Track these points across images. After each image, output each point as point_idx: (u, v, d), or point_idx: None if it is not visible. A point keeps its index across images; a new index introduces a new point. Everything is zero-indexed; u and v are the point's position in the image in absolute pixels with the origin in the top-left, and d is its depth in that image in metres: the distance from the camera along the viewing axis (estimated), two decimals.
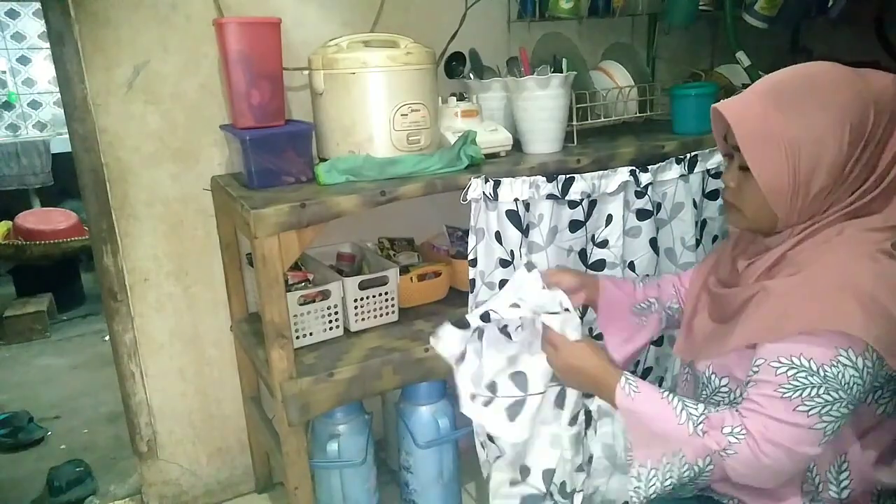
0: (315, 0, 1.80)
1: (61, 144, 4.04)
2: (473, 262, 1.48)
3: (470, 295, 1.51)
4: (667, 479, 1.00)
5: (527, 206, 1.48)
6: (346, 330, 1.64)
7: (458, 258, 1.77)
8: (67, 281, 3.85)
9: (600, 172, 1.53)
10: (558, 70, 1.68)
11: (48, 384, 2.93)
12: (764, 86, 1.01)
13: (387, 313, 1.68)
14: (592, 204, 1.55)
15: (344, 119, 1.55)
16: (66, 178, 3.50)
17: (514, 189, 1.45)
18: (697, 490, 1.10)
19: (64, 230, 3.74)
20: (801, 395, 0.88)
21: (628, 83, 1.93)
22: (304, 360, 1.51)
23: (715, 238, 1.84)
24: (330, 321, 1.60)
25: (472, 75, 1.87)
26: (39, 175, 4.16)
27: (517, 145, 1.74)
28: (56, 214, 3.86)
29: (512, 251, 1.48)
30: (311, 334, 1.58)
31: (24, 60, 4.52)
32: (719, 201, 1.78)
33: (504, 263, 1.48)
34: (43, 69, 4.54)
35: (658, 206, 1.66)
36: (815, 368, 0.88)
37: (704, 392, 1.08)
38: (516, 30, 2.04)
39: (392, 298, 1.67)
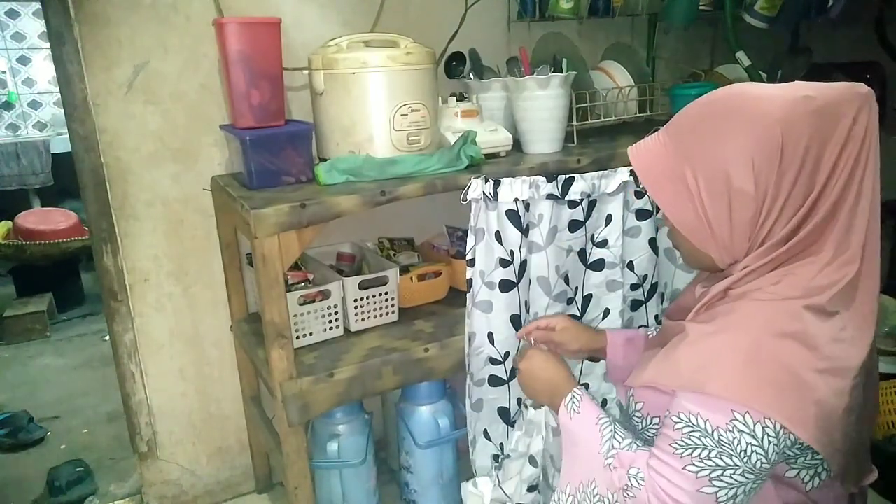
0: (315, 0, 1.80)
1: (61, 144, 4.05)
2: (472, 262, 1.48)
3: (468, 295, 1.51)
4: (579, 500, 1.00)
5: (527, 205, 1.48)
6: (346, 330, 1.64)
7: (458, 258, 1.77)
8: (67, 281, 3.85)
9: (600, 172, 1.53)
10: (558, 70, 1.68)
11: (48, 384, 2.93)
12: (671, 121, 0.94)
13: (387, 313, 1.68)
14: (592, 204, 1.55)
15: (344, 119, 1.55)
16: (66, 178, 3.50)
17: (514, 189, 1.45)
18: None
19: (64, 230, 3.74)
20: (691, 454, 0.84)
21: (628, 83, 1.93)
22: (304, 360, 1.51)
23: None
24: (330, 321, 1.60)
25: (472, 75, 1.87)
26: (39, 175, 4.17)
27: (517, 145, 1.74)
28: (56, 214, 3.86)
29: (512, 251, 1.48)
30: (311, 334, 1.58)
31: (24, 60, 4.52)
32: None
33: (504, 263, 1.48)
34: (43, 69, 4.54)
35: (658, 207, 1.66)
36: (709, 430, 0.82)
37: (633, 419, 1.03)
38: (516, 30, 2.04)
39: (392, 298, 1.67)
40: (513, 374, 1.51)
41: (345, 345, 1.59)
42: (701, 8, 1.98)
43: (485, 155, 1.60)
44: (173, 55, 1.68)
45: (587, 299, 1.62)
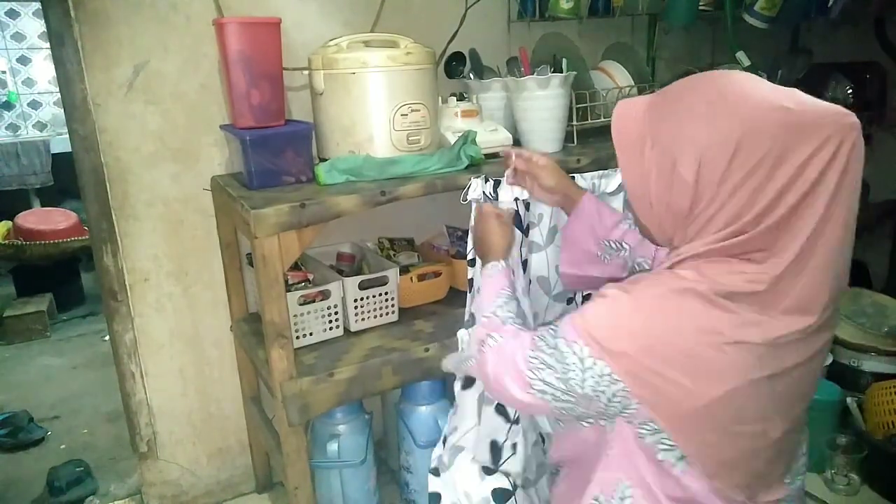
0: (315, 0, 1.80)
1: (61, 144, 4.05)
2: (472, 262, 1.48)
3: (468, 295, 1.51)
4: (466, 351, 1.16)
5: (527, 205, 1.48)
6: (346, 330, 1.64)
7: (458, 258, 1.77)
8: (67, 281, 3.85)
9: (600, 172, 1.53)
10: (558, 70, 1.68)
11: (48, 384, 2.93)
12: (665, 87, 0.93)
13: (387, 313, 1.68)
14: None
15: (344, 119, 1.55)
16: (66, 178, 3.50)
17: (514, 189, 1.45)
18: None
19: (64, 230, 3.74)
20: (539, 345, 0.94)
21: (628, 83, 1.93)
22: (304, 360, 1.51)
23: None
24: (330, 321, 1.60)
25: (472, 75, 1.87)
26: (39, 175, 4.17)
27: (517, 145, 1.74)
28: (56, 214, 3.86)
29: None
30: (311, 334, 1.58)
31: (24, 60, 4.52)
32: None
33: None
34: (43, 69, 4.54)
35: None
36: (558, 335, 0.91)
37: None
38: (516, 30, 2.04)
39: (392, 298, 1.67)
40: None
41: (345, 345, 1.59)
42: (701, 8, 1.98)
43: (485, 155, 1.60)
44: (173, 55, 1.68)
45: (587, 298, 1.62)
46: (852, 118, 0.80)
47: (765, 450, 0.88)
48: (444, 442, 1.41)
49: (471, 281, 1.48)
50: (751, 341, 0.81)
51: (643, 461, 0.90)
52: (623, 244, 1.26)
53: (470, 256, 1.47)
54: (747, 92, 0.82)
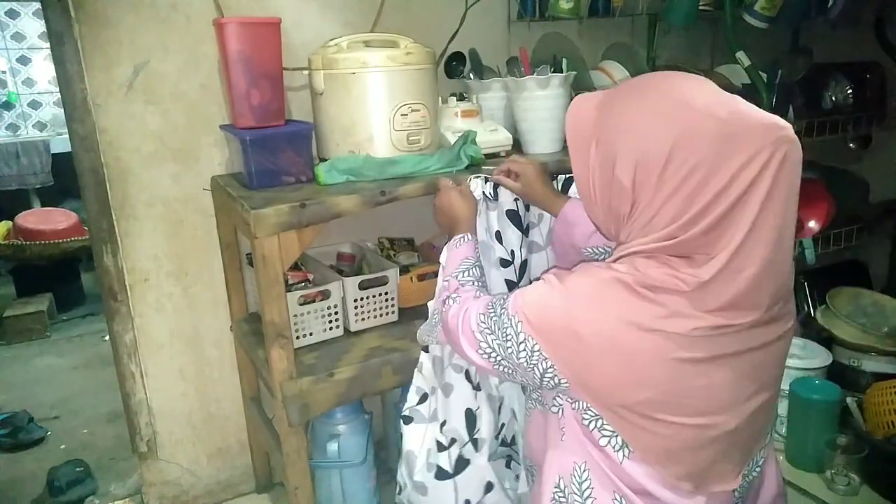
0: (315, 0, 1.80)
1: (61, 144, 4.05)
2: None
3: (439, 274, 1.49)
4: (434, 314, 1.25)
5: (527, 206, 1.48)
6: (346, 330, 1.64)
7: None
8: (67, 281, 3.85)
9: None
10: (558, 70, 1.68)
11: (48, 384, 2.93)
12: (614, 87, 0.97)
13: (387, 313, 1.68)
14: None
15: (344, 119, 1.55)
16: (67, 178, 3.50)
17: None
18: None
19: (64, 230, 3.74)
20: (489, 311, 1.00)
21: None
22: (304, 360, 1.51)
23: None
24: (330, 321, 1.60)
25: (472, 75, 1.87)
26: (39, 175, 4.17)
27: (517, 145, 1.74)
28: (56, 214, 3.86)
29: (512, 251, 1.48)
30: (311, 334, 1.58)
31: (24, 60, 4.52)
32: None
33: (504, 263, 1.48)
34: (43, 69, 4.54)
35: None
36: (504, 306, 0.97)
37: None
38: (516, 30, 2.04)
39: (392, 298, 1.67)
40: None
41: (345, 345, 1.59)
42: (701, 8, 1.98)
43: (485, 155, 1.60)
44: (173, 55, 1.68)
45: None
46: (786, 131, 0.82)
47: (713, 443, 0.89)
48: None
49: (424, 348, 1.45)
50: (673, 331, 0.83)
51: (591, 447, 0.93)
52: (606, 248, 1.27)
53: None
54: (686, 98, 0.83)
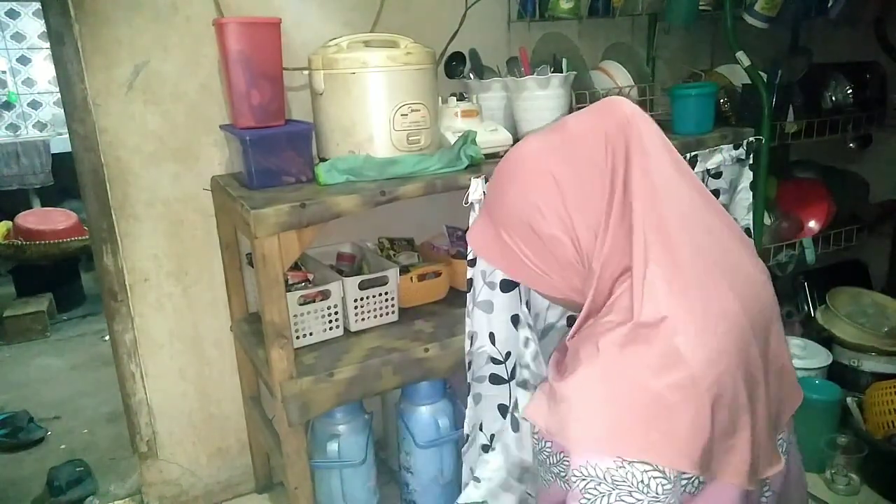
0: (315, 0, 1.81)
1: (61, 144, 4.05)
2: (472, 262, 1.48)
3: (468, 295, 1.51)
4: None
5: None
6: (346, 330, 1.64)
7: (458, 258, 1.77)
8: (67, 281, 3.85)
9: (698, 153, 1.53)
10: (558, 70, 1.68)
11: (48, 384, 2.93)
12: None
13: (387, 313, 1.68)
14: None
15: (344, 119, 1.55)
16: (67, 178, 3.50)
17: None
18: None
19: (64, 230, 3.74)
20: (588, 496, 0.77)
21: (628, 83, 1.93)
22: (304, 360, 1.51)
23: None
24: (330, 321, 1.60)
25: (472, 75, 1.87)
26: (39, 175, 4.17)
27: None
28: (56, 214, 3.86)
29: None
30: (311, 334, 1.58)
31: (24, 60, 4.53)
32: (719, 201, 1.78)
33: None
34: (43, 69, 4.55)
35: None
36: (601, 475, 0.76)
37: (543, 454, 0.99)
38: (516, 30, 2.04)
39: (392, 298, 1.67)
40: (513, 373, 1.51)
41: (345, 345, 1.59)
42: (701, 8, 1.98)
43: (485, 155, 1.60)
44: (173, 55, 1.68)
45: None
46: (622, 106, 0.86)
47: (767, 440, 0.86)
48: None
49: (470, 281, 1.48)
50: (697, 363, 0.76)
51: None
52: None
53: (470, 257, 1.47)
54: (534, 141, 0.90)
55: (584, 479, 0.78)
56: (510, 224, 0.90)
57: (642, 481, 0.75)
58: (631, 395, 0.77)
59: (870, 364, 1.98)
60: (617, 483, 0.76)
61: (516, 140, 1.72)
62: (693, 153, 1.68)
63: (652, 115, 0.92)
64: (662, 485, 0.76)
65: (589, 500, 0.77)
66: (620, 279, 0.84)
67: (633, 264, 0.81)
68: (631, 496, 0.75)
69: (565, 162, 0.85)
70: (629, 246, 0.82)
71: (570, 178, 0.85)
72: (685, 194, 0.84)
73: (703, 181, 1.74)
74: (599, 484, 0.77)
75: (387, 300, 1.66)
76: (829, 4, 1.95)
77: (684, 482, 0.79)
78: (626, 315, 0.80)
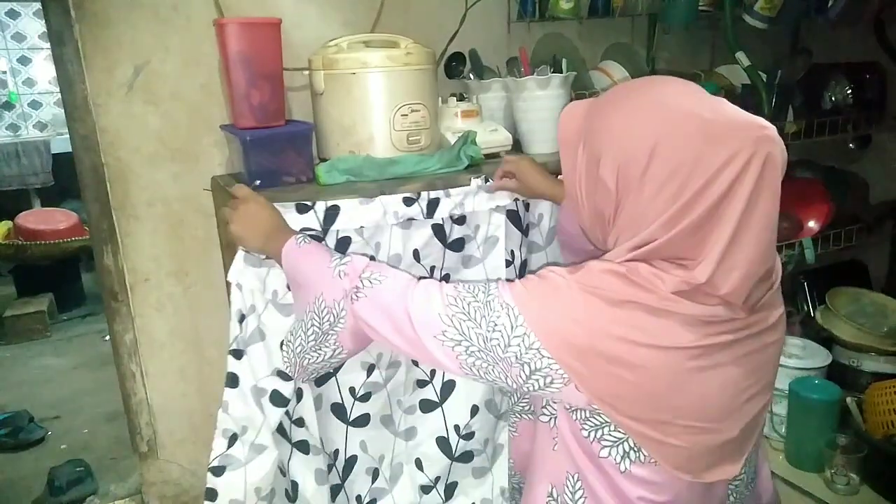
0: (315, 0, 1.81)
1: (62, 144, 4.06)
2: (237, 354, 1.41)
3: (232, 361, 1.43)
4: (309, 330, 1.04)
5: (527, 206, 1.48)
6: None
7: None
8: (68, 281, 3.86)
9: None
10: (558, 70, 1.68)
11: (48, 384, 2.94)
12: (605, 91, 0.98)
13: None
14: None
15: (344, 119, 1.55)
16: (67, 178, 3.51)
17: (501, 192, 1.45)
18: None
19: (64, 230, 3.75)
20: (464, 295, 0.90)
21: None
22: None
23: None
24: None
25: (472, 76, 1.87)
26: (40, 175, 4.18)
27: (517, 145, 1.74)
28: (56, 214, 3.87)
29: (512, 251, 1.48)
30: None
31: (24, 61, 4.53)
32: None
33: (505, 263, 1.48)
34: (43, 69, 4.55)
35: None
36: (491, 292, 0.89)
37: None
38: (516, 30, 2.05)
39: None
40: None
41: None
42: (701, 8, 1.98)
43: (485, 155, 1.60)
44: (174, 55, 1.68)
45: None
46: (767, 131, 0.82)
47: (722, 447, 0.89)
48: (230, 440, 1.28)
49: (232, 376, 1.26)
50: (683, 341, 0.82)
51: (585, 459, 0.90)
52: None
53: (233, 346, 1.26)
54: (668, 100, 0.84)
55: (483, 285, 0.90)
56: (591, 143, 0.88)
57: (494, 324, 0.86)
58: (597, 321, 0.83)
59: (869, 364, 1.98)
60: (488, 305, 0.87)
61: (516, 140, 1.72)
62: None
63: None
64: (498, 344, 0.86)
65: (468, 290, 0.90)
66: (650, 264, 0.84)
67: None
68: (480, 318, 0.87)
69: (677, 144, 0.80)
70: (674, 252, 0.83)
71: (667, 160, 0.80)
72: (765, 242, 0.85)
73: None
74: (481, 292, 0.89)
75: None
76: (829, 4, 1.95)
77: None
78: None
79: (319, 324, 1.03)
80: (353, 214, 1.30)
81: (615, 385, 0.83)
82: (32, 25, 4.46)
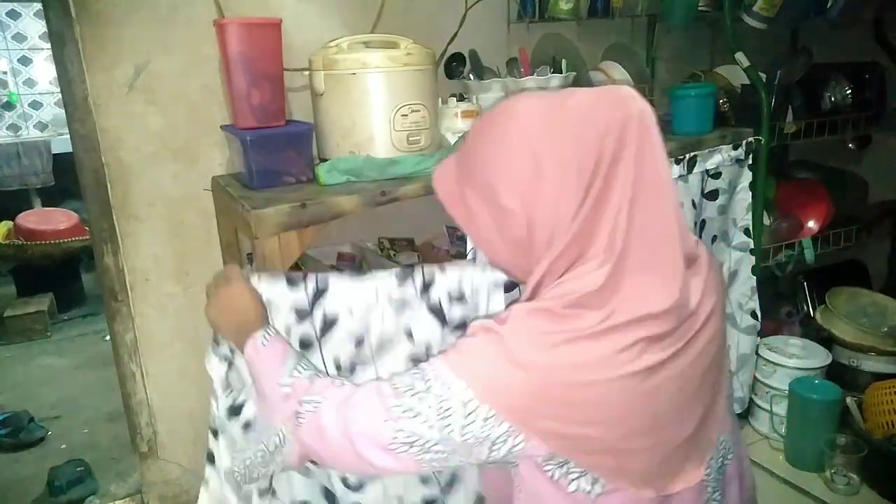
0: (315, 1, 1.81)
1: (62, 144, 4.07)
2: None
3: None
4: (259, 446, 0.98)
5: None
6: None
7: (458, 258, 1.77)
8: (68, 281, 3.86)
9: (697, 152, 1.52)
10: (558, 71, 1.68)
11: (48, 384, 2.94)
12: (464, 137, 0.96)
13: None
14: None
15: (344, 119, 1.55)
16: (67, 179, 3.51)
17: None
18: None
19: (65, 230, 3.75)
20: (404, 391, 0.83)
21: (628, 84, 1.93)
22: None
23: (714, 238, 1.84)
24: None
25: (471, 76, 1.87)
26: (40, 175, 4.18)
27: None
28: (57, 214, 3.87)
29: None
30: None
31: (25, 61, 4.54)
32: (718, 202, 1.79)
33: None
34: (44, 69, 4.56)
35: None
36: (429, 377, 0.82)
37: None
38: (516, 30, 2.05)
39: None
40: None
41: None
42: (700, 8, 1.99)
43: None
44: (174, 56, 1.68)
45: None
46: (625, 91, 0.83)
47: (678, 448, 0.86)
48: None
49: (210, 454, 1.28)
50: (616, 349, 0.79)
51: (557, 498, 0.86)
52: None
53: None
54: (528, 106, 0.84)
55: (417, 371, 0.84)
56: (475, 181, 0.88)
57: (447, 410, 0.80)
58: (542, 365, 0.79)
59: (869, 364, 1.98)
60: (431, 390, 0.81)
61: None
62: (692, 153, 1.68)
63: None
64: (453, 430, 0.80)
65: (405, 384, 0.84)
66: (574, 266, 0.83)
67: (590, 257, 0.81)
68: (432, 409, 0.80)
69: (553, 139, 0.81)
70: (592, 237, 0.81)
71: (552, 158, 0.81)
72: (667, 202, 0.84)
73: (703, 182, 1.74)
74: (421, 380, 0.83)
75: None
76: (829, 4, 1.95)
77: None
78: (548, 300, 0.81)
79: (266, 443, 0.97)
80: (343, 295, 1.20)
81: (577, 427, 0.80)
82: (33, 26, 4.46)
